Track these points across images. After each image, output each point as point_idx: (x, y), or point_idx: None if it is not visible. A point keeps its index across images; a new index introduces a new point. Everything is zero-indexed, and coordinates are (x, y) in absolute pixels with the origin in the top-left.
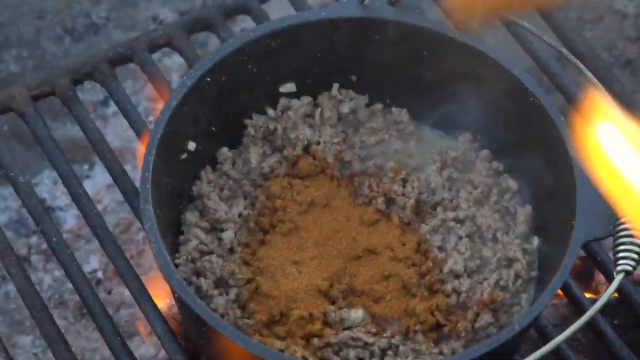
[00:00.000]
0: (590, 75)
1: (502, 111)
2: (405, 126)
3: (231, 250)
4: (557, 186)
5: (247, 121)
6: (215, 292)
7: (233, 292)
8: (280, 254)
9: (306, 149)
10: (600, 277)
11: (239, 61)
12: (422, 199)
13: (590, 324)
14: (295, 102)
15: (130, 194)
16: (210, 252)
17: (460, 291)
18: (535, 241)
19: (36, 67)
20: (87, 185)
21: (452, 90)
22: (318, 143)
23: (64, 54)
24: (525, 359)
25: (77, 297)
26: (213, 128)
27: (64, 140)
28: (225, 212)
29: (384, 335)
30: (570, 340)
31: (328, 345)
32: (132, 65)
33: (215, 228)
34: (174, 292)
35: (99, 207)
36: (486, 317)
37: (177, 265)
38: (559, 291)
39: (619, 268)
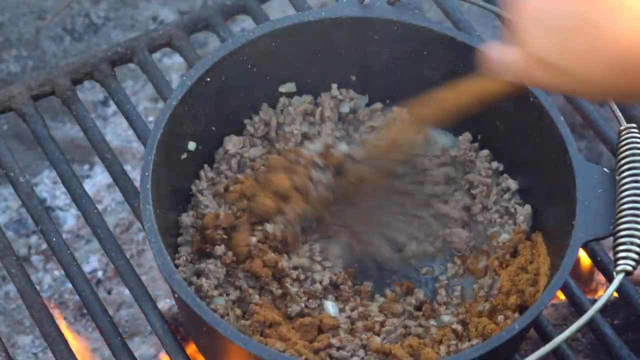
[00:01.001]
0: None
1: (502, 111)
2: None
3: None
4: (557, 186)
5: (246, 121)
6: (216, 292)
7: (234, 293)
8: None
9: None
10: (600, 277)
11: (239, 61)
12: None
13: (590, 324)
14: (296, 99)
15: (130, 194)
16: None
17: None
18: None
19: (36, 67)
20: (87, 185)
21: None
22: (309, 138)
23: (64, 54)
24: (525, 359)
25: (77, 297)
26: (213, 128)
27: (64, 140)
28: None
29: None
30: (570, 340)
31: (330, 346)
32: (132, 65)
33: None
34: (174, 292)
35: (99, 207)
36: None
37: (177, 266)
38: (559, 291)
39: (619, 268)
